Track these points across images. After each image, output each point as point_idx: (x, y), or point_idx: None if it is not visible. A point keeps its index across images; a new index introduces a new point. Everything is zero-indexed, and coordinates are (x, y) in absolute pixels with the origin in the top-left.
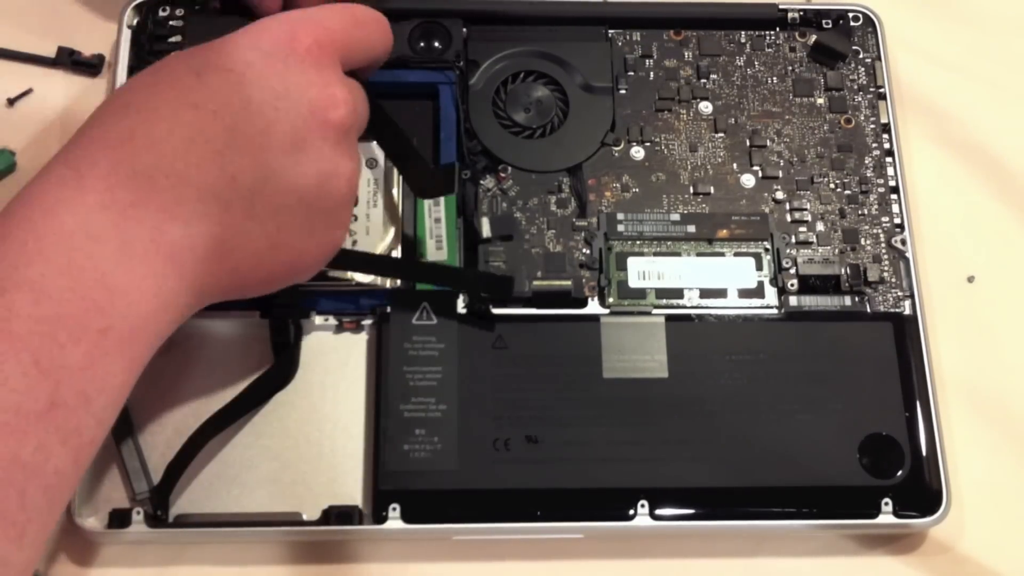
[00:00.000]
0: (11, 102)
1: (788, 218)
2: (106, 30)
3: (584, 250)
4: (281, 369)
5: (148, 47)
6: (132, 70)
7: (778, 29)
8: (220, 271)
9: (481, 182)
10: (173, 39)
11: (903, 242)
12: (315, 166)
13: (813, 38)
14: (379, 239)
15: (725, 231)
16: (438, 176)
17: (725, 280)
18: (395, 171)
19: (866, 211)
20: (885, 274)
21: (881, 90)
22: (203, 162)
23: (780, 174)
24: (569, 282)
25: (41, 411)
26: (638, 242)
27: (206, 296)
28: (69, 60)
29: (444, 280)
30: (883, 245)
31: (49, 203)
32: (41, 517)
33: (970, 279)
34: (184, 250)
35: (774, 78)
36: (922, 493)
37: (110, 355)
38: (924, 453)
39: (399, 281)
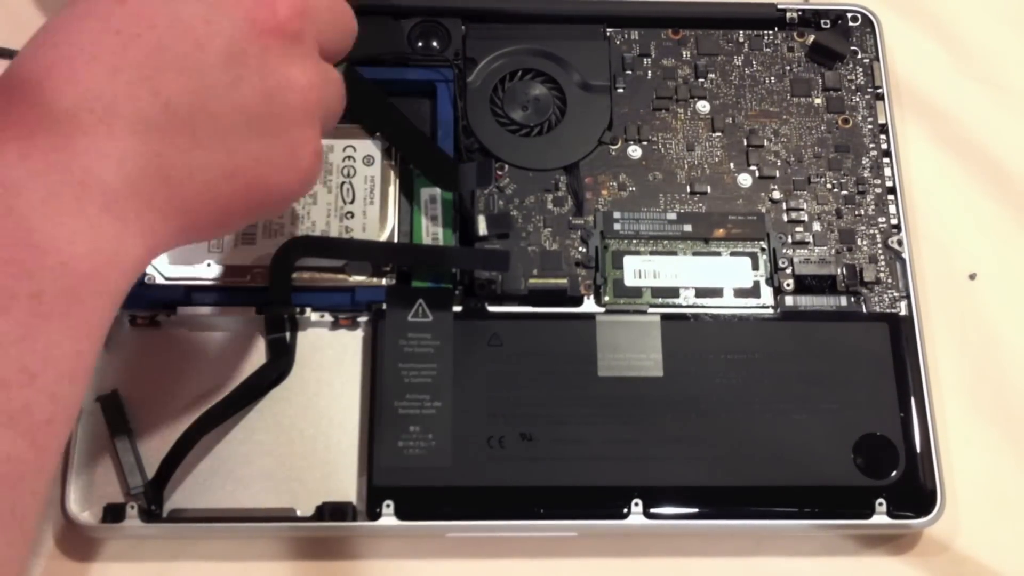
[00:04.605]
0: None
1: (785, 218)
2: None
3: (580, 248)
4: (276, 365)
5: None
6: None
7: (776, 29)
8: (170, 210)
9: None
10: None
11: (899, 243)
12: (259, 81)
13: (811, 38)
14: (375, 236)
15: (721, 230)
16: (471, 170)
17: (721, 279)
18: (392, 168)
19: (863, 211)
20: (881, 274)
21: (879, 90)
22: (131, 90)
23: (777, 174)
24: (565, 280)
25: None
26: (634, 241)
27: (160, 241)
28: None
29: (439, 260)
30: (880, 246)
31: None
32: (2, 508)
33: (972, 276)
34: (122, 192)
35: (772, 78)
36: (916, 494)
37: (49, 322)
38: (919, 453)
39: (395, 278)
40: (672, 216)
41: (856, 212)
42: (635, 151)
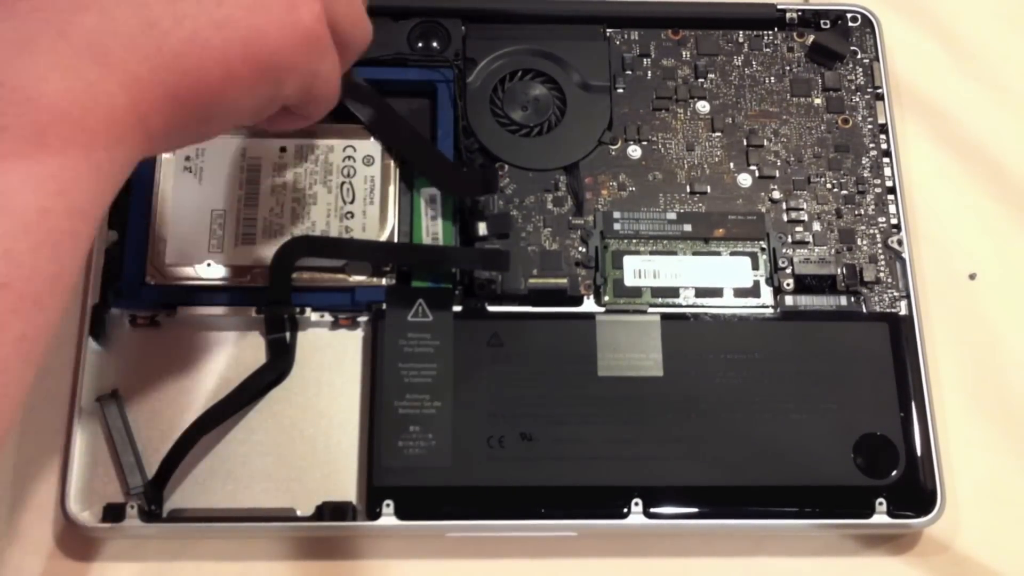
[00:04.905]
0: None
1: (784, 218)
2: None
3: (580, 248)
4: (276, 365)
5: None
6: None
7: (776, 29)
8: (157, 58)
9: None
10: None
11: (899, 242)
12: None
13: (811, 38)
14: (375, 236)
15: (721, 230)
16: (476, 177)
17: (721, 279)
18: (392, 168)
19: (863, 211)
20: (881, 274)
21: (879, 90)
22: None
23: (777, 174)
24: (565, 280)
25: None
26: (634, 240)
27: (148, 93)
28: None
29: (440, 259)
30: (879, 245)
31: None
32: None
33: (972, 276)
34: (103, 35)
35: (772, 78)
36: (916, 493)
37: (10, 162)
38: (919, 453)
39: (395, 278)
40: (672, 216)
41: (856, 212)
42: (635, 151)
